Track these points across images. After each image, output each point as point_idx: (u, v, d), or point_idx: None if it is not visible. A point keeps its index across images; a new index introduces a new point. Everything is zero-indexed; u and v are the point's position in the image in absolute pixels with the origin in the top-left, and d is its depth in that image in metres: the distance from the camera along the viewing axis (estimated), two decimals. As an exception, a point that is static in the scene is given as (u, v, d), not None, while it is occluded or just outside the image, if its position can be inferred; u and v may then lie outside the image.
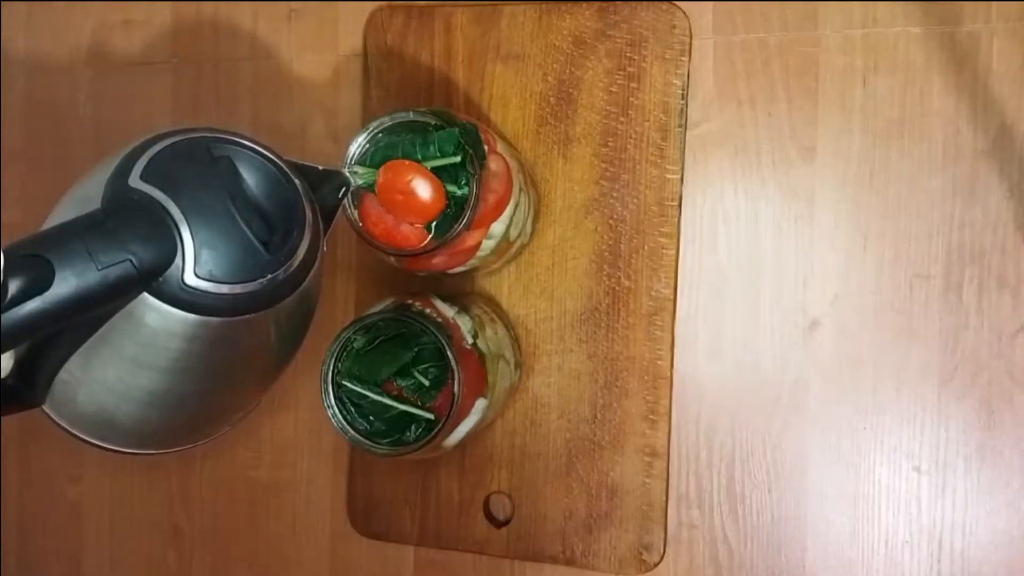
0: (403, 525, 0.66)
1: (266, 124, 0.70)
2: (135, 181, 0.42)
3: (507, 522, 0.64)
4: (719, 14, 0.61)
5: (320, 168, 0.49)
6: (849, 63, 0.59)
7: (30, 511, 0.77)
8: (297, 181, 0.45)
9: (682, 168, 0.61)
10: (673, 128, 0.61)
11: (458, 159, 0.52)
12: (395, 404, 0.55)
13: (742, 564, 0.61)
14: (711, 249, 0.61)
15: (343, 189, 0.50)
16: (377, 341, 0.55)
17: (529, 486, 0.64)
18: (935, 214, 0.58)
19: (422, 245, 0.53)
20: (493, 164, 0.54)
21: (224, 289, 0.42)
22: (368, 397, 0.55)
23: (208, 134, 0.45)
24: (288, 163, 0.46)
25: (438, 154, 0.52)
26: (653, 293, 0.61)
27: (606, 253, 0.62)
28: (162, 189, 0.41)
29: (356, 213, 0.54)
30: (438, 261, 0.55)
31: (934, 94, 0.58)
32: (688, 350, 0.62)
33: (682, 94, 0.61)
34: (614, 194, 0.62)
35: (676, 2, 0.61)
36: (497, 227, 0.55)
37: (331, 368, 0.55)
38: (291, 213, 0.44)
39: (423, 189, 0.52)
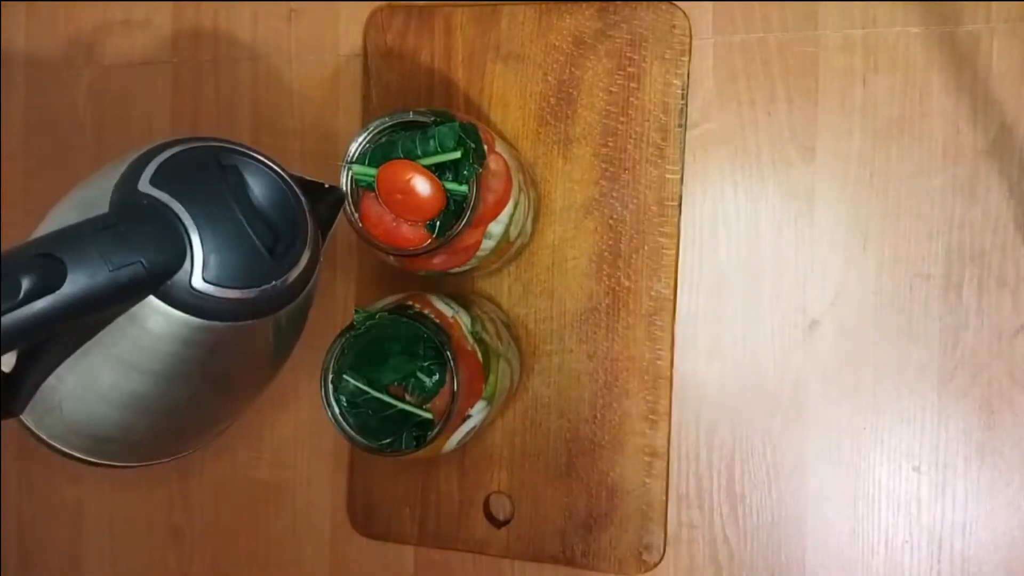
0: (403, 525, 0.66)
1: (266, 124, 0.70)
2: (145, 186, 0.42)
3: (507, 522, 0.64)
4: (719, 14, 0.61)
5: (323, 184, 0.50)
6: (849, 63, 0.59)
7: (30, 512, 0.77)
8: (300, 193, 0.46)
9: (682, 168, 0.61)
10: (673, 128, 0.61)
11: (458, 154, 0.52)
12: (395, 404, 0.55)
13: (742, 564, 0.61)
14: (711, 249, 0.61)
15: (338, 205, 0.50)
16: (379, 340, 0.55)
17: (529, 486, 0.64)
18: (935, 214, 0.58)
19: (422, 245, 0.53)
20: (492, 163, 0.54)
21: (230, 294, 0.42)
22: (368, 395, 0.55)
23: (215, 143, 0.45)
24: (292, 176, 0.46)
25: (438, 149, 0.52)
26: (653, 293, 0.61)
27: (606, 253, 0.62)
28: (172, 194, 0.42)
29: (356, 213, 0.54)
30: (438, 261, 0.55)
31: (934, 94, 0.58)
32: (688, 350, 0.62)
33: (682, 94, 0.61)
34: (614, 194, 0.62)
35: (676, 2, 0.61)
36: (496, 227, 0.55)
37: (331, 367, 0.55)
38: (295, 223, 0.45)
39: (422, 187, 0.52)
